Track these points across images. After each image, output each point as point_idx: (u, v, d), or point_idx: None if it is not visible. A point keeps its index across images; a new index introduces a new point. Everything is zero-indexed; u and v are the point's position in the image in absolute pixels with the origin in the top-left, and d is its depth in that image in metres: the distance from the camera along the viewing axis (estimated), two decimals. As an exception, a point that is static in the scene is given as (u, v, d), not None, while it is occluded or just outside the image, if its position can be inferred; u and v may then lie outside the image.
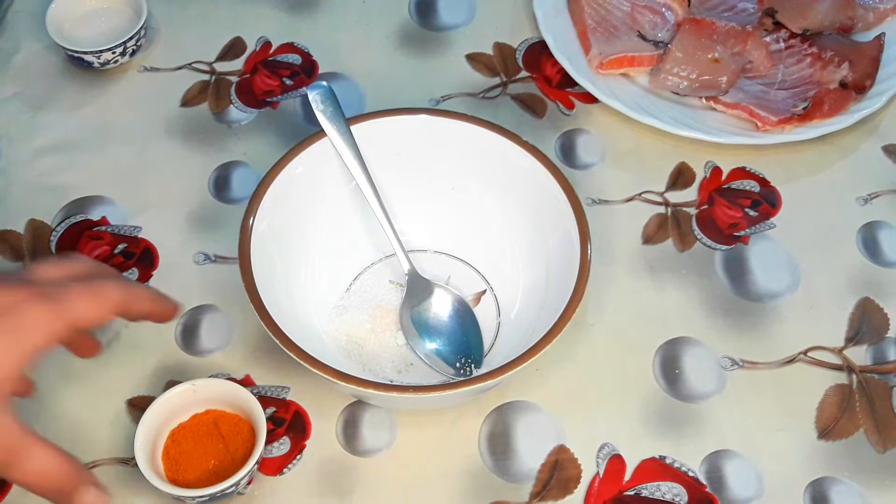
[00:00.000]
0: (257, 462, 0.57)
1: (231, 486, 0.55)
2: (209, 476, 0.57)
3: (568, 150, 0.76)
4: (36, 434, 0.48)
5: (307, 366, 0.55)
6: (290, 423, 0.62)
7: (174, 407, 0.59)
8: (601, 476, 0.60)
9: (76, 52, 0.77)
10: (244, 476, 0.56)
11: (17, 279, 0.49)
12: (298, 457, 0.61)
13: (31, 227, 0.71)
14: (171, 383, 0.63)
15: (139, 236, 0.70)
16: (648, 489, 0.59)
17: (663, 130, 0.75)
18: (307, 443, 0.61)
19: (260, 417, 0.57)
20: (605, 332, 0.66)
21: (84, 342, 0.58)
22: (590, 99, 0.78)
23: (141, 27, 0.78)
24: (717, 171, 0.75)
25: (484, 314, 0.66)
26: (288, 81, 0.80)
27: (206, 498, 0.56)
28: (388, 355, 0.64)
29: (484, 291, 0.67)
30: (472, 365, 0.63)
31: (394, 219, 0.65)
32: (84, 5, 0.81)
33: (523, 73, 0.81)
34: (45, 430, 0.61)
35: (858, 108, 0.76)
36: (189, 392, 0.58)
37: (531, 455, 0.61)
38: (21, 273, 0.50)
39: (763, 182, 0.74)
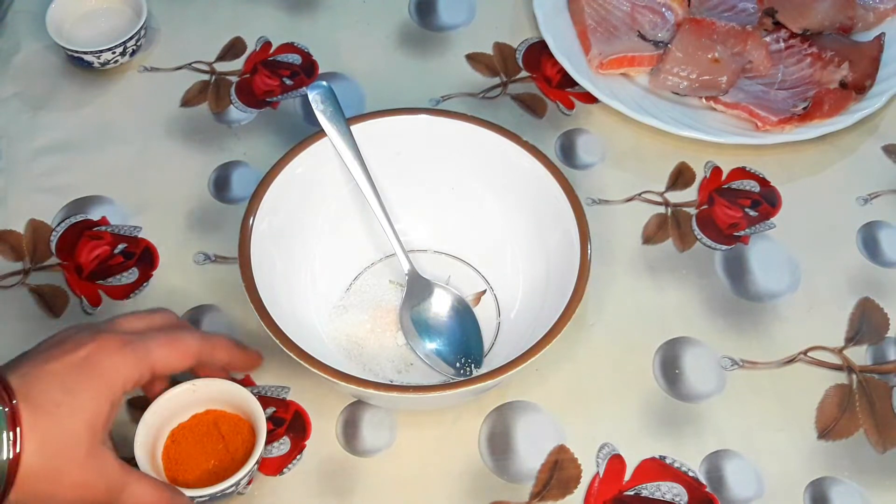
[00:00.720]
0: (257, 462, 0.57)
1: (231, 486, 0.55)
2: (209, 476, 0.57)
3: (568, 150, 0.76)
4: (134, 470, 0.53)
5: (307, 366, 0.55)
6: (290, 423, 0.62)
7: (174, 407, 0.58)
8: (601, 476, 0.60)
9: (76, 52, 0.77)
10: (244, 476, 0.56)
11: (103, 330, 0.53)
12: (298, 457, 0.61)
13: (31, 227, 0.71)
14: (171, 383, 0.63)
15: (139, 236, 0.70)
16: (648, 489, 0.59)
17: (663, 130, 0.75)
18: (307, 443, 0.61)
19: (260, 417, 0.57)
20: (605, 332, 0.66)
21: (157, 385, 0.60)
22: (590, 99, 0.78)
23: (141, 27, 0.78)
24: (717, 171, 0.75)
25: (484, 314, 0.66)
26: (288, 81, 0.79)
27: (206, 498, 0.56)
28: (388, 355, 0.64)
29: (484, 291, 0.67)
30: (472, 365, 0.63)
31: (394, 219, 0.65)
32: (84, 5, 0.81)
33: (523, 73, 0.81)
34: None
35: (858, 108, 0.76)
36: (189, 392, 0.58)
37: (531, 455, 0.61)
38: (106, 324, 0.54)
39: (763, 182, 0.74)
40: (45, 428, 0.48)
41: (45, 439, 0.48)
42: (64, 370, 0.50)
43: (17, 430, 0.47)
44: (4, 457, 0.47)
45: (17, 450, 0.47)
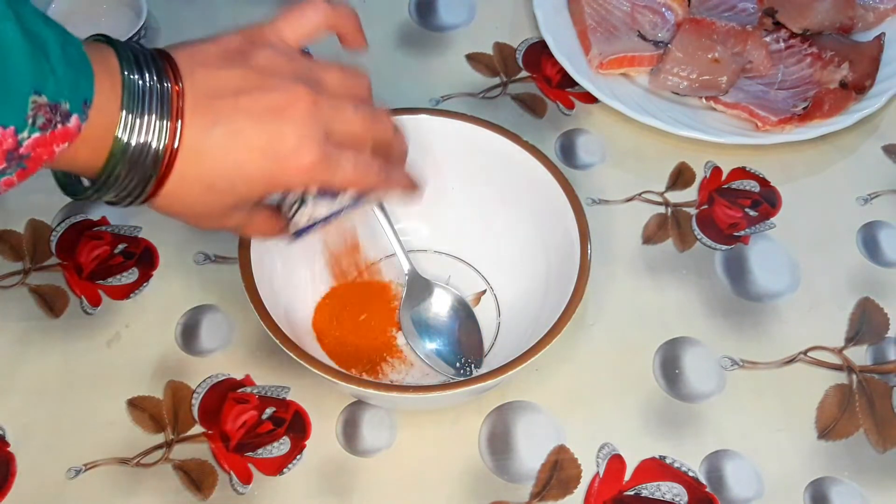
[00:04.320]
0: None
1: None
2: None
3: (568, 150, 0.76)
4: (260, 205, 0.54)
5: (307, 366, 0.55)
6: (290, 423, 0.62)
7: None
8: (601, 476, 0.60)
9: (76, 51, 0.77)
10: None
11: (304, 79, 0.50)
12: (298, 457, 0.61)
13: (31, 227, 0.71)
14: (171, 383, 0.63)
15: (139, 236, 0.70)
16: (648, 489, 0.59)
17: (663, 130, 0.75)
18: (307, 443, 0.61)
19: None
20: (605, 332, 0.66)
21: None
22: (590, 99, 0.78)
23: (141, 27, 0.78)
24: (717, 171, 0.75)
25: (484, 314, 0.66)
26: (288, 81, 0.79)
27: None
28: (388, 355, 0.64)
29: (484, 291, 0.67)
30: (472, 365, 0.63)
31: (394, 219, 0.65)
32: (84, 5, 0.81)
33: (523, 73, 0.81)
34: (45, 430, 0.61)
35: (858, 108, 0.76)
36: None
37: (531, 455, 0.61)
38: (311, 68, 0.51)
39: (763, 182, 0.74)
40: (194, 177, 0.48)
41: (187, 189, 0.48)
42: (249, 116, 0.47)
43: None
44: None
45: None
